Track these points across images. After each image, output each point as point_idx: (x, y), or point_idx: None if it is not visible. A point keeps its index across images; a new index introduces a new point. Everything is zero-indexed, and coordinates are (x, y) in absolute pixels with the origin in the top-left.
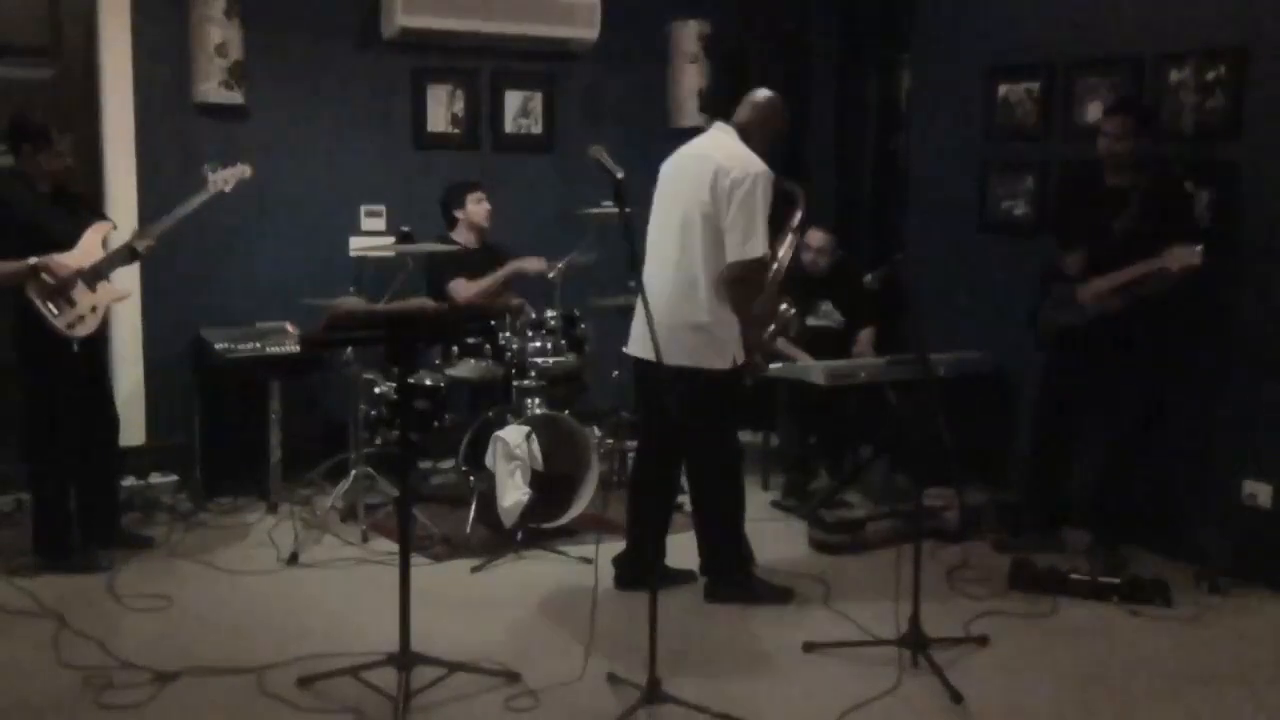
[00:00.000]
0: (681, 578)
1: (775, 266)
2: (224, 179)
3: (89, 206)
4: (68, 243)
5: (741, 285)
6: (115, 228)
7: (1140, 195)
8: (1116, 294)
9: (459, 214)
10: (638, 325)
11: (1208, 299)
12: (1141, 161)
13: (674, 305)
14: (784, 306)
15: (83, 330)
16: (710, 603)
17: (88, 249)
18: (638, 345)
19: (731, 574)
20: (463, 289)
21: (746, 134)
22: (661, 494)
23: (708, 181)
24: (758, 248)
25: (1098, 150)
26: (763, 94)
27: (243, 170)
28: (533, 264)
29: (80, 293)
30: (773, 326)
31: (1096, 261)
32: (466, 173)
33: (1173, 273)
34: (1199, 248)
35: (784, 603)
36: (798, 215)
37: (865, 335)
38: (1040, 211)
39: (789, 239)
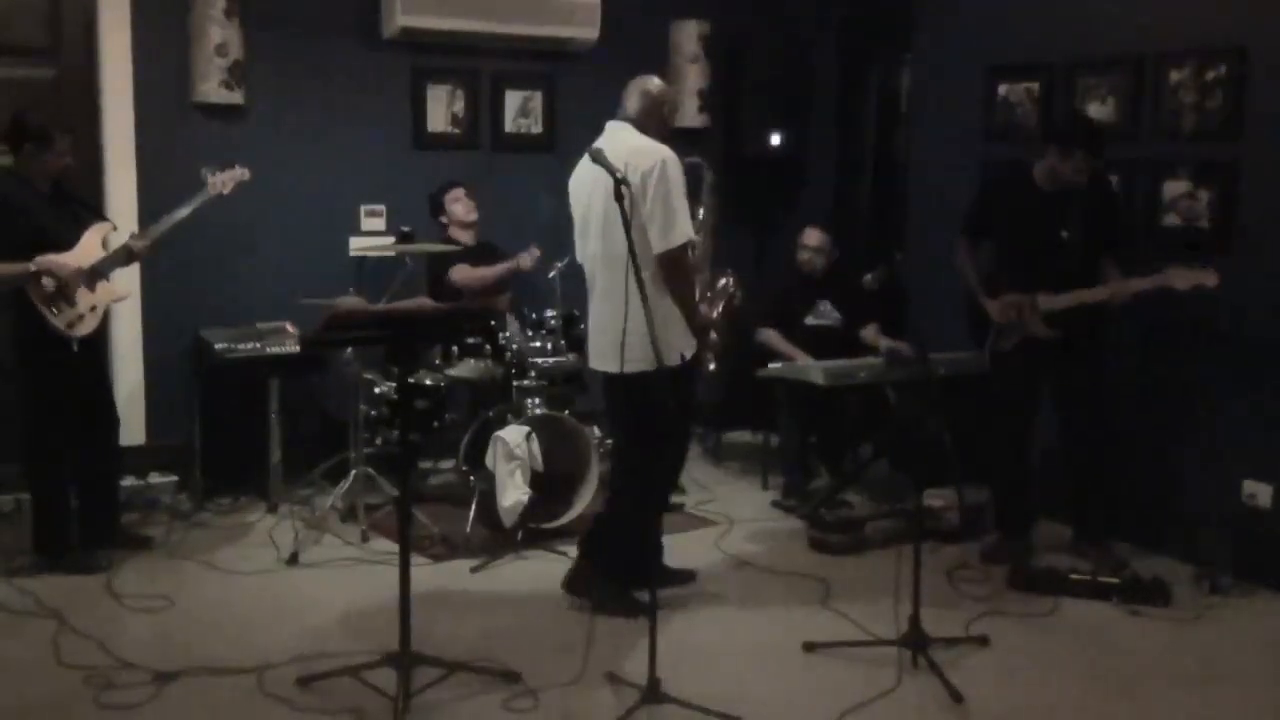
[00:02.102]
0: (681, 578)
1: (696, 238)
2: (223, 182)
3: (88, 206)
4: (68, 243)
5: (675, 272)
6: (115, 228)
7: (1084, 202)
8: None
9: (444, 218)
10: (591, 341)
11: (1208, 299)
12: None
13: (612, 314)
14: (724, 281)
15: (82, 330)
16: (567, 592)
17: (87, 249)
18: (595, 359)
19: (611, 570)
20: (461, 273)
21: (643, 125)
22: None
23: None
24: (681, 234)
25: (1055, 175)
26: (653, 82)
27: (241, 173)
28: (526, 260)
29: (80, 293)
30: (720, 305)
31: (1049, 270)
32: (467, 173)
33: (1179, 291)
34: (1211, 269)
35: (632, 617)
36: (706, 182)
37: (871, 330)
38: None
39: (701, 208)
